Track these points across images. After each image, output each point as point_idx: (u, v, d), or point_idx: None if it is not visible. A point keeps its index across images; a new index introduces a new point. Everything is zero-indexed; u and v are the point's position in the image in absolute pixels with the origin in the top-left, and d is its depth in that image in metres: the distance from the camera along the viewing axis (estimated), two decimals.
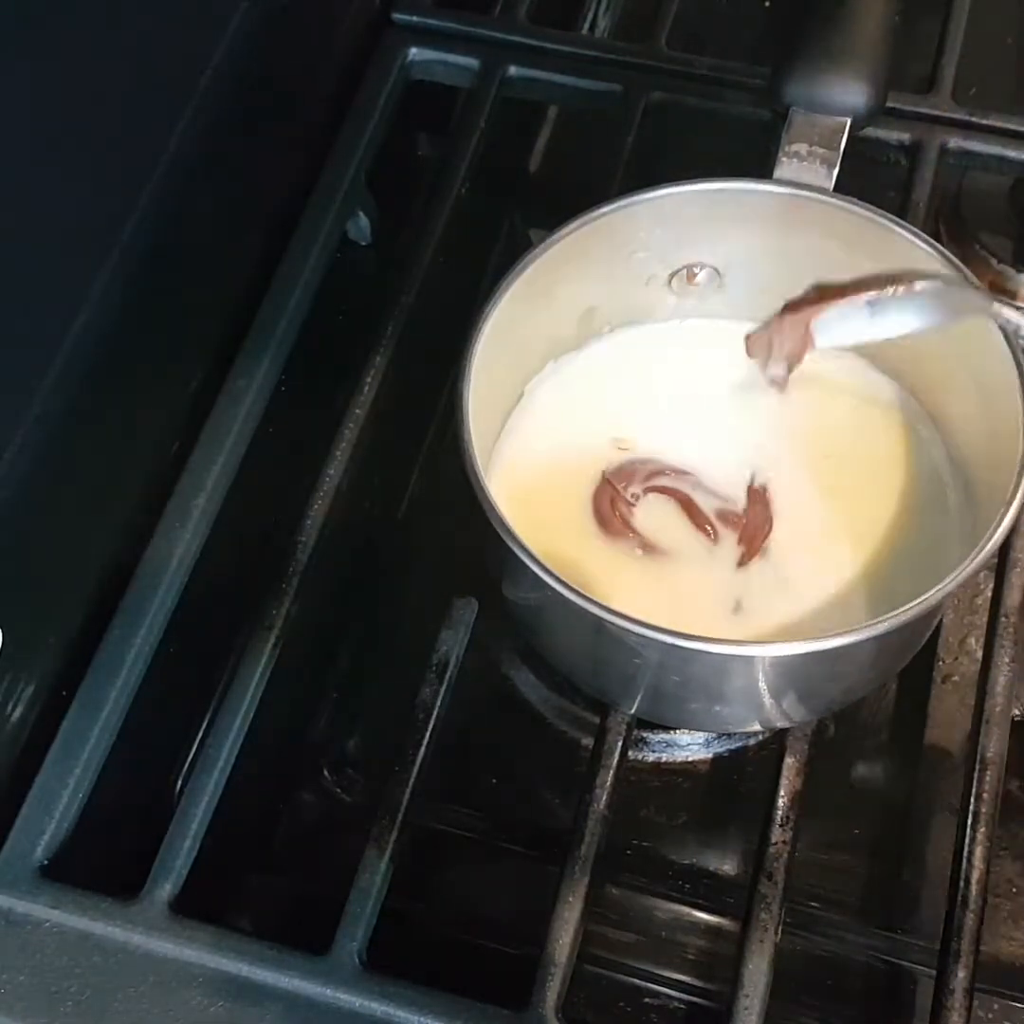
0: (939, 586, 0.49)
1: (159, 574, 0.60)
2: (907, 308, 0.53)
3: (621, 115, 0.72)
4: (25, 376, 0.53)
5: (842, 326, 0.54)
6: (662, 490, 0.61)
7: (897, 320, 0.53)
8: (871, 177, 0.65)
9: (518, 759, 0.67)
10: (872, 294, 0.53)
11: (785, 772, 0.56)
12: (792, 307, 0.55)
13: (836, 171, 0.58)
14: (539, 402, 0.64)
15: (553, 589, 0.50)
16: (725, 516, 0.60)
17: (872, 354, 0.63)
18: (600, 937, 0.61)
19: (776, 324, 0.56)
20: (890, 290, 0.53)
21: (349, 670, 0.70)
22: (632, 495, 0.60)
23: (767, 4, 0.87)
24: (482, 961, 0.62)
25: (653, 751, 0.65)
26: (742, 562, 0.59)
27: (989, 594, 0.61)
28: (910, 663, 0.59)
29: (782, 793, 0.56)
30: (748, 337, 0.58)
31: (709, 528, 0.59)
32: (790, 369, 0.57)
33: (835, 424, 0.62)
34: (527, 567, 0.51)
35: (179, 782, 0.63)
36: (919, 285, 0.53)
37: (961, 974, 0.52)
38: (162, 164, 0.58)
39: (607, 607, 0.49)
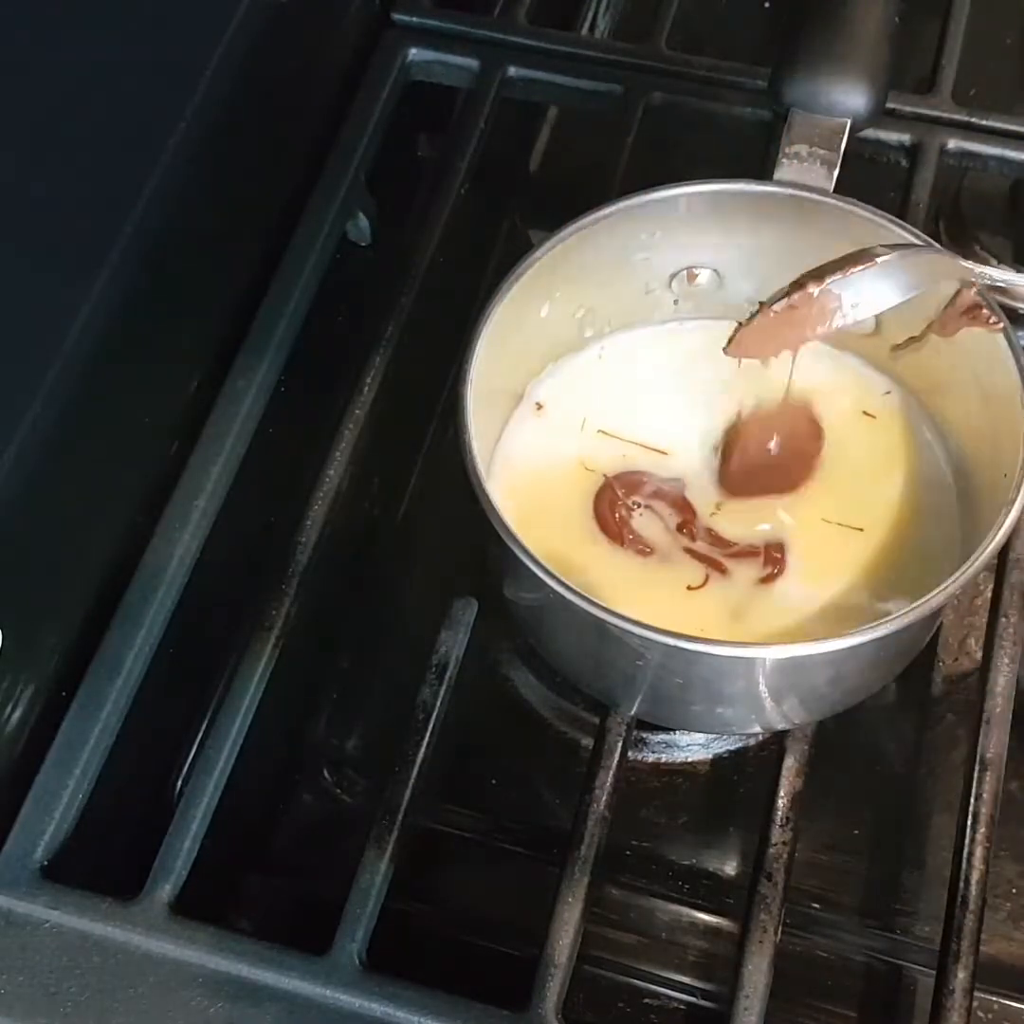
0: (939, 589, 0.49)
1: (159, 574, 0.60)
2: (876, 283, 0.52)
3: (621, 115, 0.72)
4: (25, 376, 0.53)
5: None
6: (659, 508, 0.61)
7: (870, 299, 0.53)
8: (871, 178, 0.65)
9: (518, 759, 0.67)
10: (835, 277, 0.52)
11: (785, 772, 0.56)
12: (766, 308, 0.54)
13: (836, 172, 0.58)
14: (539, 403, 0.64)
15: (554, 591, 0.50)
16: (722, 542, 0.60)
17: (873, 356, 0.63)
18: (600, 937, 0.61)
19: (767, 322, 0.54)
20: (850, 270, 0.52)
21: (349, 670, 0.70)
22: (633, 502, 0.60)
23: (767, 4, 0.87)
24: (482, 961, 0.62)
25: (653, 751, 0.65)
26: (766, 581, 0.58)
27: (989, 594, 0.61)
28: (910, 664, 0.59)
29: (782, 793, 0.56)
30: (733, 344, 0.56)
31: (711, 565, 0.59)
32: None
33: (836, 426, 0.62)
34: (528, 568, 0.51)
35: (179, 783, 0.63)
36: (881, 259, 0.52)
37: (961, 974, 0.52)
38: (162, 164, 0.58)
39: (610, 609, 0.49)
